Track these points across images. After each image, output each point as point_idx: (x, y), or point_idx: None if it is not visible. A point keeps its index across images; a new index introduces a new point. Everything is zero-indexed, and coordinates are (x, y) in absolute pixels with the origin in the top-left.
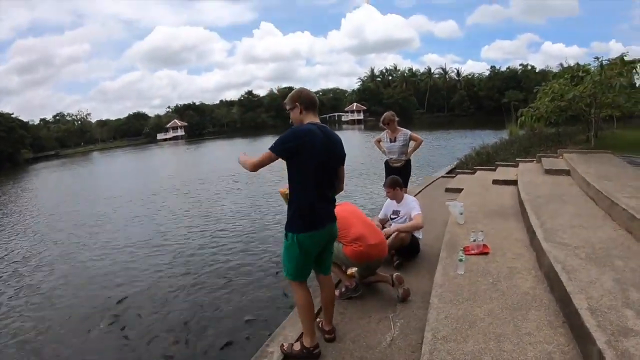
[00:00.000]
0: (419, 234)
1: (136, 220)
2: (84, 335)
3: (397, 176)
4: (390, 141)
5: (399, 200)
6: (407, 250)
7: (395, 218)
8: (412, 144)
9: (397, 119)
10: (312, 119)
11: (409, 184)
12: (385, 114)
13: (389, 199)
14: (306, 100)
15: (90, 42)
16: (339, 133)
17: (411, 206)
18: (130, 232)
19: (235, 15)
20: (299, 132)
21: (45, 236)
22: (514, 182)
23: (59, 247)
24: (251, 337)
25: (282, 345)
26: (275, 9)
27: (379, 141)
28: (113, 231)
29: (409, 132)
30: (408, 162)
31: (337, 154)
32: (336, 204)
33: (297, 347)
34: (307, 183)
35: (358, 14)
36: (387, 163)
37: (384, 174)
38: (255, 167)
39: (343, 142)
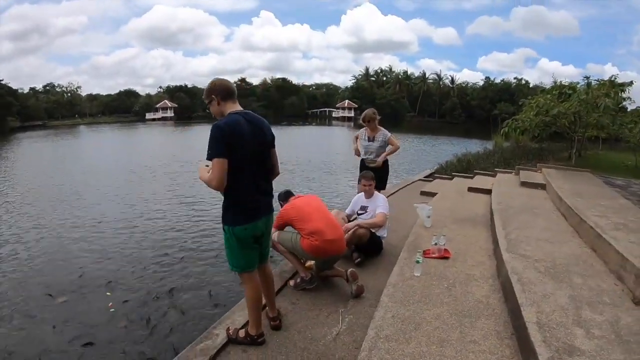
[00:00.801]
0: (383, 233)
1: (111, 198)
2: (43, 307)
3: (378, 177)
4: (369, 140)
5: (369, 196)
6: (368, 248)
7: (362, 214)
8: (389, 147)
9: (378, 117)
10: (232, 107)
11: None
12: (366, 111)
13: (357, 195)
14: (221, 90)
15: (87, 14)
16: (328, 129)
17: (378, 204)
18: (103, 208)
19: (236, 2)
20: (223, 127)
21: (18, 208)
22: (489, 191)
23: (29, 220)
24: (201, 320)
25: (227, 329)
26: None
27: (357, 138)
28: (85, 207)
29: (388, 134)
30: (385, 163)
31: (265, 139)
32: (301, 195)
33: (242, 333)
34: (241, 176)
35: (358, 12)
36: (363, 162)
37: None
38: (219, 185)
39: (331, 138)
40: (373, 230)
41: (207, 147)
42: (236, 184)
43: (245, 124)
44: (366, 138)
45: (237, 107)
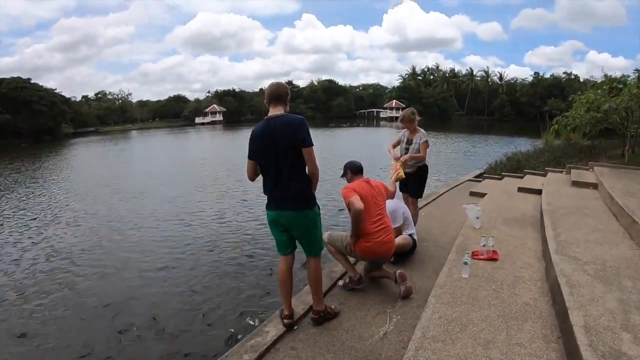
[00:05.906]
0: (413, 232)
1: (168, 199)
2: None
3: (411, 183)
4: (407, 143)
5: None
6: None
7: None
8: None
9: (418, 118)
10: (272, 111)
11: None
12: (404, 111)
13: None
14: (266, 96)
15: (134, 24)
16: (376, 130)
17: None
18: (161, 208)
19: (278, 5)
20: (251, 133)
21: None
22: (539, 191)
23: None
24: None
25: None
26: (318, 0)
27: (394, 146)
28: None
29: (424, 138)
30: (423, 168)
31: (280, 142)
32: (371, 180)
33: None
34: (265, 173)
35: (400, 11)
36: None
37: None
38: (249, 179)
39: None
40: None
41: None
42: (264, 179)
43: (265, 129)
44: (406, 141)
45: (276, 111)
